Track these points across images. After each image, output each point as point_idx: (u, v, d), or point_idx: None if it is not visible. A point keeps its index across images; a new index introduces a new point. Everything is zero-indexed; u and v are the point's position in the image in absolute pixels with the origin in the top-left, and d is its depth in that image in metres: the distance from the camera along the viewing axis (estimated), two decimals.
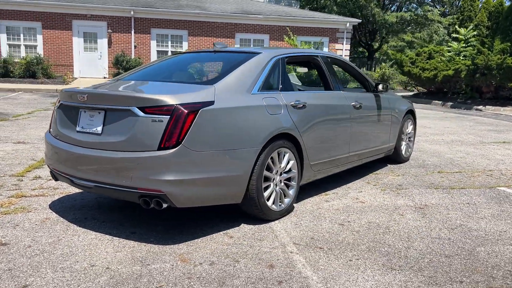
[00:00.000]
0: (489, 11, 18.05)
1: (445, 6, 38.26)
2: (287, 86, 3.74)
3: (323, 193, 4.27)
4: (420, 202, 4.06)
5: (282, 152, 3.46)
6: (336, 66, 5.07)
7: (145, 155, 2.76)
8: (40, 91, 15.11)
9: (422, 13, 30.46)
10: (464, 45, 17.28)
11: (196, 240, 3.03)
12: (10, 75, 17.05)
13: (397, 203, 4.02)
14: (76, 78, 18.77)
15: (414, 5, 33.98)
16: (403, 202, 4.04)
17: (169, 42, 20.44)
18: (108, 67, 19.66)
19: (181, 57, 4.10)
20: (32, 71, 17.14)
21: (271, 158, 3.37)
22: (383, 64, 24.73)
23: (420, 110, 13.59)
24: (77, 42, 19.28)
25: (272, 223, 3.40)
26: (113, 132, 2.91)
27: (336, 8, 29.68)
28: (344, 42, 22.53)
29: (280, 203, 3.50)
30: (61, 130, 3.26)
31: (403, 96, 6.64)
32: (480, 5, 20.74)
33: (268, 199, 3.37)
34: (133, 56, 19.61)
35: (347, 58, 22.72)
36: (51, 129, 3.45)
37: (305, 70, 5.14)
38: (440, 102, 15.66)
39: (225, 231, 3.20)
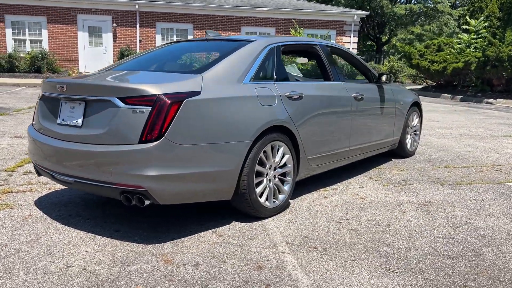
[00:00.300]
0: (500, 1, 17.57)
1: None
2: (283, 76, 3.54)
3: (322, 189, 4.07)
4: (424, 199, 3.84)
5: (276, 146, 3.27)
6: (338, 57, 4.86)
7: (125, 148, 2.59)
8: None
9: (432, 4, 29.90)
10: (474, 36, 16.87)
11: (182, 238, 2.86)
12: (15, 70, 17.03)
13: (399, 199, 3.81)
14: (81, 73, 18.71)
15: None
16: (406, 199, 3.83)
17: (174, 36, 20.26)
18: (113, 62, 19.56)
19: (173, 46, 3.92)
20: (37, 66, 17.10)
21: (264, 152, 3.18)
22: (392, 57, 24.34)
23: (428, 103, 13.28)
24: (82, 37, 19.19)
25: (265, 220, 3.21)
26: (94, 124, 2.75)
27: (343, 1, 29.26)
28: (352, 35, 22.17)
29: (274, 200, 3.31)
30: (43, 122, 3.11)
31: (411, 90, 6.40)
32: None
33: (261, 196, 3.19)
34: (138, 50, 19.48)
35: (355, 51, 22.38)
36: (33, 122, 3.30)
37: (304, 60, 4.92)
38: (449, 95, 15.32)
39: (214, 229, 3.02)
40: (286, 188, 3.42)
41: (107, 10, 19.38)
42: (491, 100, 13.89)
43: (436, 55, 16.65)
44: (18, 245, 2.70)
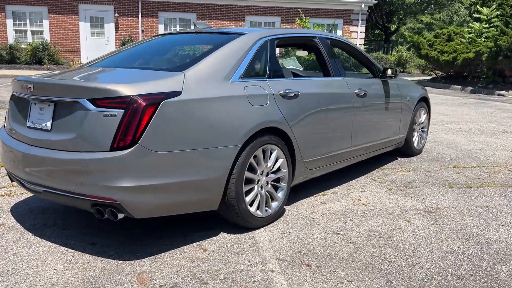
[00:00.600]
0: None
1: None
2: (277, 73, 3.24)
3: (320, 193, 3.79)
4: (431, 205, 3.55)
5: (268, 150, 2.99)
6: (340, 49, 4.54)
7: (95, 156, 2.32)
8: None
9: None
10: (486, 25, 16.32)
11: (163, 254, 2.60)
12: (16, 61, 16.84)
13: (404, 205, 3.52)
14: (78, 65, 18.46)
15: None
16: (411, 205, 3.54)
17: (177, 26, 19.91)
18: None
19: (159, 40, 3.63)
20: (39, 57, 16.89)
21: (255, 156, 2.90)
22: (400, 47, 23.80)
23: (437, 95, 12.87)
24: (84, 27, 18.92)
25: (256, 231, 2.94)
26: (63, 128, 2.48)
27: None
28: (359, 24, 21.66)
29: (266, 208, 3.04)
30: (13, 125, 2.85)
31: (420, 81, 6.05)
32: None
33: (251, 204, 2.91)
34: None
35: (362, 41, 21.90)
36: (5, 124, 3.04)
37: (304, 53, 4.61)
38: (459, 86, 14.87)
39: (199, 243, 2.76)
40: (280, 195, 3.14)
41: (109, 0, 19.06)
42: (503, 92, 13.44)
43: (446, 45, 16.16)
44: None
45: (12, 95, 2.93)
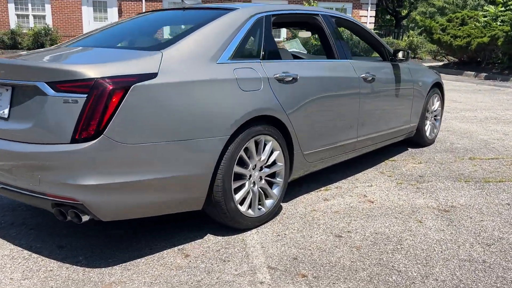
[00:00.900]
0: None
1: None
2: (273, 54, 2.86)
3: (322, 188, 3.43)
4: (445, 202, 3.18)
5: (261, 141, 2.64)
6: (346, 29, 4.12)
7: (54, 149, 1.99)
8: None
9: None
10: (502, 9, 15.64)
11: (138, 260, 2.28)
12: (18, 46, 16.54)
13: (415, 203, 3.16)
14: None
15: None
16: (424, 202, 3.17)
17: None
18: None
19: (146, 17, 3.26)
20: (41, 42, 16.57)
21: (246, 149, 2.55)
22: (411, 32, 23.13)
23: (450, 81, 12.36)
24: (87, 11, 18.53)
25: (247, 233, 2.61)
26: (21, 116, 2.14)
27: None
28: (369, 9, 21.01)
29: (259, 207, 2.70)
30: None
31: (431, 67, 5.61)
32: None
33: (242, 203, 2.58)
34: None
35: (372, 25, 21.27)
36: None
37: (307, 34, 4.21)
38: (473, 72, 14.31)
39: (181, 246, 2.43)
40: (276, 191, 2.80)
41: None
42: None
43: (459, 29, 15.53)
44: None
45: None
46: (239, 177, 2.56)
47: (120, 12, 18.87)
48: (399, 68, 4.11)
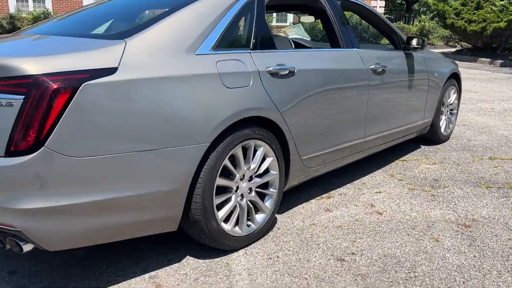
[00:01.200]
0: None
1: None
2: (266, 42, 2.44)
3: (324, 195, 3.03)
4: (465, 214, 2.76)
5: (251, 147, 2.24)
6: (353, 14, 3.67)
7: None
8: None
9: None
10: None
11: None
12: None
13: (431, 215, 2.75)
14: None
15: None
16: (440, 214, 2.76)
17: None
18: None
19: (120, 0, 2.84)
20: None
21: (232, 157, 2.15)
22: (423, 16, 22.34)
23: (463, 69, 11.77)
24: None
25: (234, 255, 2.22)
26: None
27: None
28: None
29: (248, 223, 2.31)
30: None
31: (444, 53, 5.12)
32: None
33: (227, 220, 2.19)
34: None
35: (382, 10, 20.55)
36: None
37: (310, 19, 3.77)
38: (488, 59, 13.68)
39: (153, 273, 2.05)
40: (268, 204, 2.40)
41: None
42: None
43: (474, 13, 14.84)
44: None
45: None
46: (223, 190, 2.17)
47: None
48: (413, 58, 3.66)
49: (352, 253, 2.26)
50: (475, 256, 2.26)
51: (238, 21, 2.31)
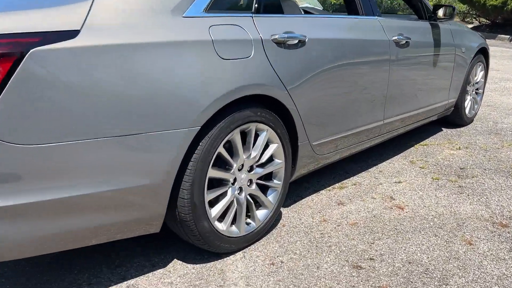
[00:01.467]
0: None
1: None
2: (271, 5, 2.03)
3: (337, 184, 2.67)
4: (500, 211, 2.39)
5: (251, 131, 1.86)
6: None
7: None
8: None
9: None
10: None
11: None
12: None
13: (459, 210, 2.38)
14: None
15: None
16: (471, 210, 2.39)
17: None
18: None
19: None
20: None
21: (228, 143, 1.79)
22: None
23: None
24: None
25: (230, 258, 1.88)
26: None
27: None
28: None
29: (248, 221, 1.96)
30: None
31: None
32: None
33: (222, 218, 1.84)
34: None
35: None
36: None
37: None
38: (508, 36, 13.01)
39: (132, 282, 1.72)
40: (272, 198, 2.04)
41: None
42: None
43: None
44: None
45: None
46: (217, 183, 1.81)
47: None
48: (439, 30, 3.22)
49: (370, 259, 1.91)
50: None
51: None
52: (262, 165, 1.97)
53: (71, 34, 1.33)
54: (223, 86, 1.66)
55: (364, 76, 2.45)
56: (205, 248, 1.82)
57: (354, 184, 2.69)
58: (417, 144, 3.49)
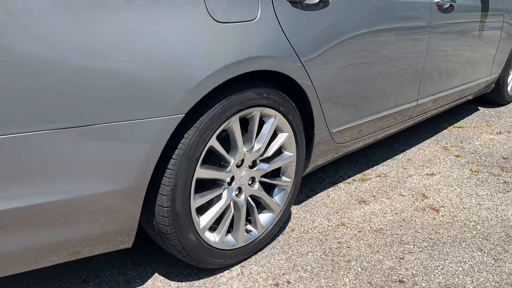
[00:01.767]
0: None
1: None
2: None
3: (358, 175, 2.27)
4: None
5: (255, 118, 1.45)
6: None
7: None
8: None
9: None
10: None
11: None
12: None
13: (508, 215, 1.96)
14: None
15: None
16: None
17: None
18: None
19: None
20: None
21: (224, 132, 1.38)
22: None
23: None
24: None
25: (224, 275, 1.51)
26: None
27: None
28: None
29: (248, 228, 1.58)
30: None
31: None
32: None
33: (215, 225, 1.46)
34: None
35: None
36: None
37: None
38: None
39: None
40: (279, 199, 1.65)
41: None
42: None
43: None
44: None
45: None
46: (209, 184, 1.42)
47: None
48: None
49: (400, 281, 1.52)
50: None
51: None
52: (267, 160, 1.57)
53: None
54: (217, 60, 1.23)
55: (398, 47, 1.99)
56: (193, 264, 1.45)
57: (379, 176, 2.28)
58: (451, 126, 3.04)
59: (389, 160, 2.47)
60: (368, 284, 1.49)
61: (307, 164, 1.78)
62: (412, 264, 1.60)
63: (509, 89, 3.46)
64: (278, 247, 1.67)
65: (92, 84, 1.03)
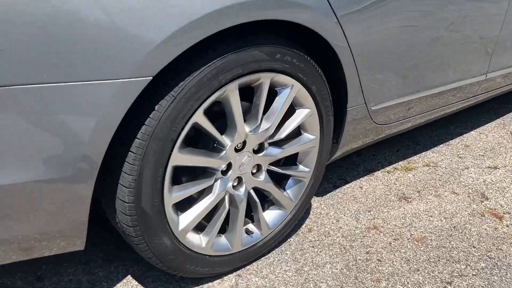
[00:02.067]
0: None
1: None
2: None
3: (401, 163, 1.85)
4: None
5: (262, 87, 1.06)
6: None
7: None
8: None
9: None
10: None
11: None
12: None
13: None
14: None
15: None
16: None
17: None
18: None
19: None
20: None
21: (216, 106, 1.01)
22: None
23: None
24: None
25: (214, 286, 1.19)
26: None
27: None
28: None
29: (249, 230, 1.22)
30: None
31: None
32: None
33: (205, 224, 1.12)
34: None
35: None
36: None
37: None
38: None
39: None
40: (292, 193, 1.28)
41: None
42: None
43: None
44: None
45: None
46: (193, 173, 1.07)
47: None
48: None
49: None
50: None
51: None
52: (279, 143, 1.19)
53: None
54: (208, 3, 0.85)
55: (468, 4, 1.51)
56: (170, 272, 1.12)
57: (427, 165, 1.85)
58: None
59: (441, 146, 2.02)
60: None
61: (335, 149, 1.39)
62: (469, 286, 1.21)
63: None
64: (288, 252, 1.32)
65: (27, 31, 0.68)
